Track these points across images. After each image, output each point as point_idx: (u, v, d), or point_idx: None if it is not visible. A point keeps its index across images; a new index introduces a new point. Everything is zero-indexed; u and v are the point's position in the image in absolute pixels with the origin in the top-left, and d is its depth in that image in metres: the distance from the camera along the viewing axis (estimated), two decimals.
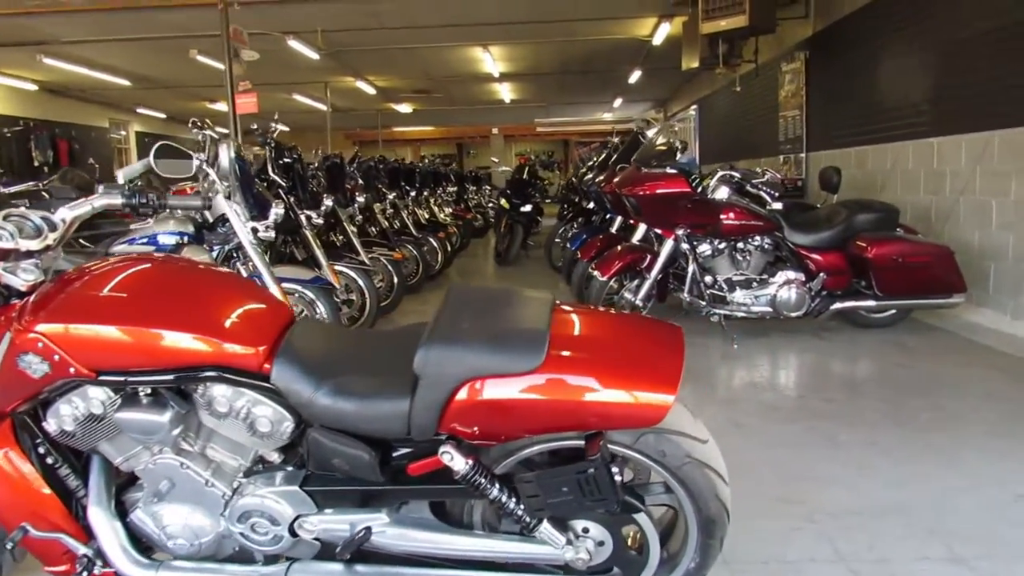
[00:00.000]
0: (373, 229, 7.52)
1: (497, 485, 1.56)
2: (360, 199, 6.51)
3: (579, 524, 1.65)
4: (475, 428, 1.52)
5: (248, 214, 4.20)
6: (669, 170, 4.91)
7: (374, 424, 1.55)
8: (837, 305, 4.97)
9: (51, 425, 1.68)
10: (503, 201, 10.60)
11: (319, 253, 5.17)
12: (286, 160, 5.28)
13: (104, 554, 1.73)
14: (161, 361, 1.59)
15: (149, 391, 1.65)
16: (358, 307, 5.37)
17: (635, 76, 15.91)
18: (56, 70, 13.36)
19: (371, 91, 17.98)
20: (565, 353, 1.50)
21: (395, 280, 6.39)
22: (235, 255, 4.29)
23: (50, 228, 1.74)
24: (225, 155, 4.13)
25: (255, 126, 6.07)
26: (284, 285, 4.29)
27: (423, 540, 1.67)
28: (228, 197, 4.17)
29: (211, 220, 4.27)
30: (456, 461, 1.53)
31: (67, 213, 1.80)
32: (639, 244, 5.32)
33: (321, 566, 1.68)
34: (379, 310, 5.54)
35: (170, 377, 1.60)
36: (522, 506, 1.56)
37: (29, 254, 1.72)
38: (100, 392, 1.63)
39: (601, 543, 1.66)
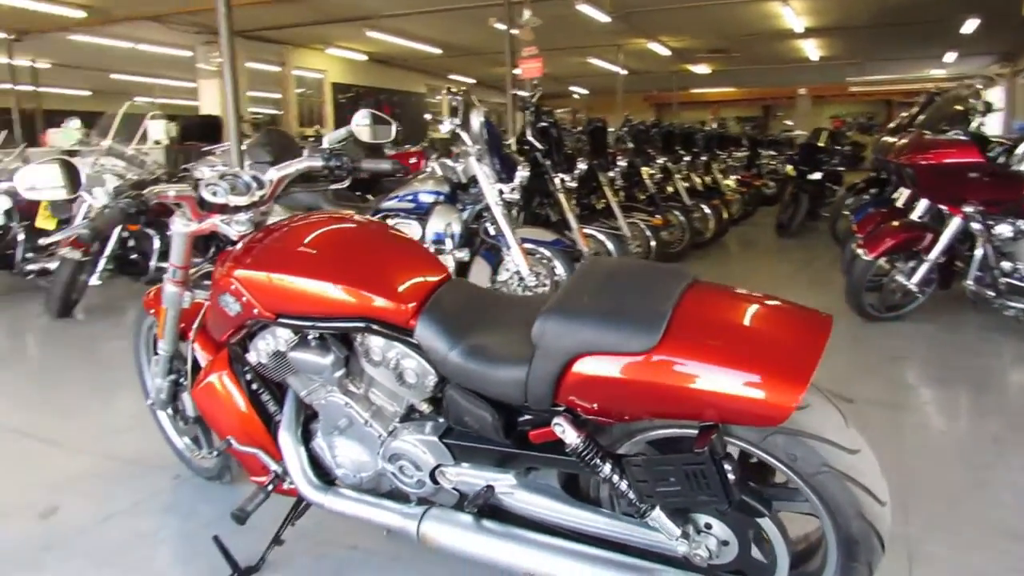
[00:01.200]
0: (642, 195, 7.49)
1: (609, 464, 1.50)
2: (622, 163, 6.49)
3: (702, 519, 1.54)
4: (592, 403, 1.47)
5: (495, 176, 4.41)
6: (958, 136, 4.22)
7: (496, 388, 1.57)
8: None
9: (252, 356, 1.94)
10: (789, 168, 9.91)
11: (570, 216, 5.28)
12: (543, 124, 5.42)
13: (288, 472, 1.97)
14: (325, 309, 1.75)
15: (317, 335, 1.83)
16: None
17: (971, 25, 13.77)
18: (379, 42, 14.97)
19: (665, 52, 17.68)
20: (686, 336, 1.39)
21: (652, 246, 6.32)
22: (484, 215, 4.53)
23: (259, 186, 1.99)
24: (476, 119, 4.35)
25: (527, 92, 6.26)
26: (525, 246, 4.46)
27: (545, 507, 1.67)
28: (479, 160, 4.42)
29: (464, 181, 4.54)
30: (568, 434, 1.50)
31: (275, 174, 2.04)
32: (918, 221, 4.68)
33: (454, 515, 1.76)
34: None
35: (330, 324, 1.77)
36: (633, 490, 1.50)
37: (242, 208, 1.98)
38: (282, 332, 1.85)
39: (725, 543, 1.53)
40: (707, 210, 8.35)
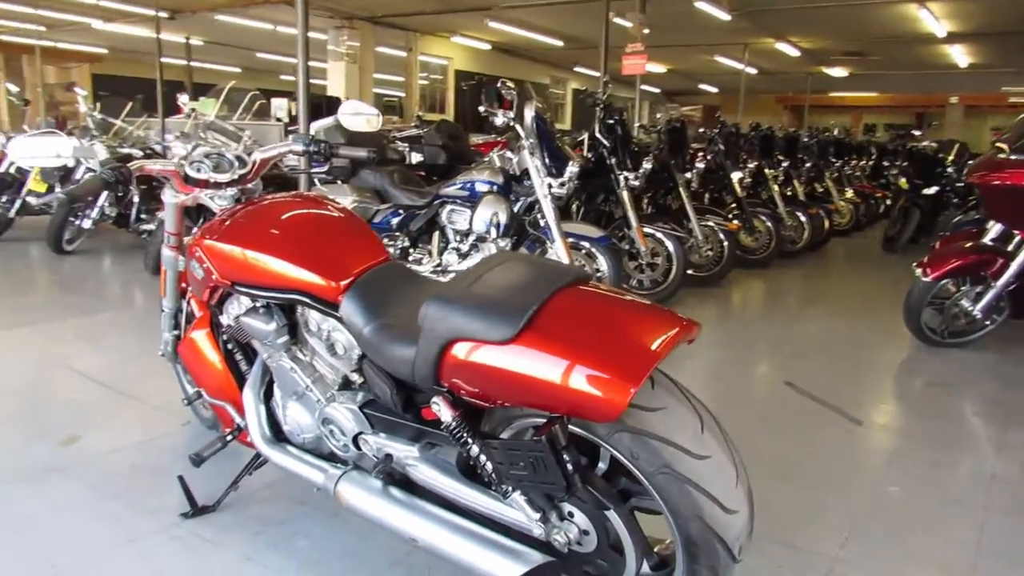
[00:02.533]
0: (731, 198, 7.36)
1: (477, 445, 1.60)
2: (700, 165, 6.40)
3: (566, 507, 1.60)
4: (468, 386, 1.57)
5: (546, 170, 4.50)
6: None
7: (391, 366, 1.70)
8: None
9: (223, 319, 2.15)
10: (902, 181, 9.39)
11: (630, 214, 5.29)
12: (610, 122, 5.44)
13: (246, 426, 2.18)
14: (268, 281, 1.93)
15: (264, 304, 2.02)
16: (662, 271, 5.39)
17: None
18: (500, 32, 15.23)
19: (794, 53, 17.03)
20: (542, 330, 1.46)
21: (725, 250, 6.22)
22: (535, 207, 4.63)
23: (241, 165, 2.20)
24: (528, 114, 4.46)
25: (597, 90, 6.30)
26: (570, 240, 4.53)
27: (439, 482, 1.77)
28: (532, 153, 4.53)
29: (518, 173, 4.66)
30: (443, 412, 1.60)
31: (258, 155, 2.25)
32: (990, 244, 4.40)
33: (367, 480, 1.89)
34: (684, 277, 5.47)
35: (271, 295, 1.95)
36: (493, 471, 1.58)
37: (226, 184, 2.19)
38: (240, 299, 2.05)
39: (585, 532, 1.59)
40: (803, 218, 8.09)
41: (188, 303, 2.43)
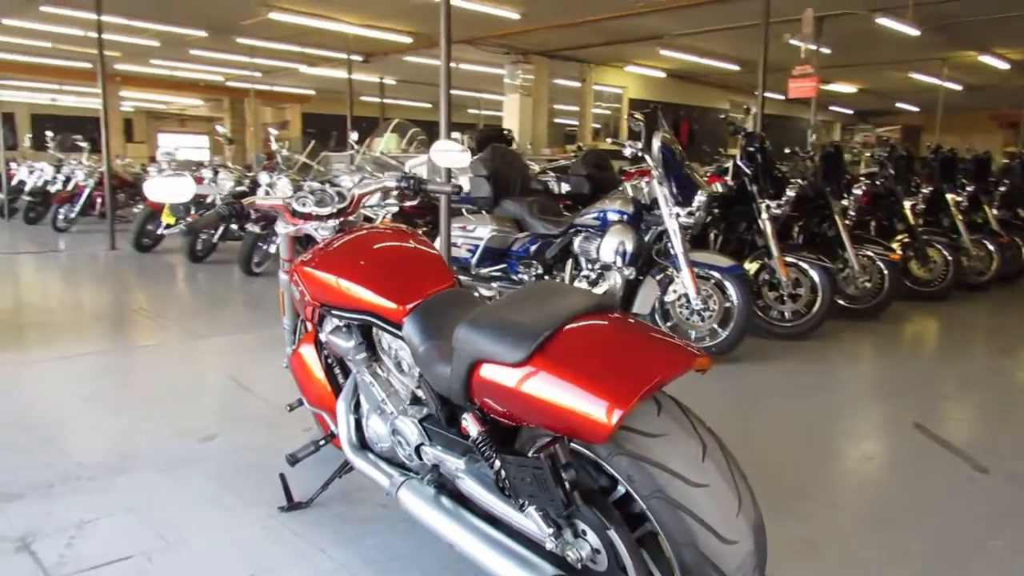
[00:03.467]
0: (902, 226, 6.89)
1: (497, 461, 1.71)
2: (856, 191, 6.09)
3: (580, 525, 1.67)
4: (495, 405, 1.70)
5: (674, 200, 4.52)
6: None
7: (436, 383, 1.85)
8: None
9: (322, 336, 2.42)
10: None
11: (771, 243, 5.15)
12: (750, 149, 5.33)
13: (338, 433, 2.43)
14: (346, 303, 2.16)
15: (345, 324, 2.25)
16: (805, 303, 5.17)
17: None
18: (674, 59, 15.18)
19: (1003, 65, 15.51)
20: (551, 354, 1.55)
21: (885, 282, 5.85)
22: (664, 236, 4.65)
23: (340, 200, 2.47)
24: (655, 143, 4.51)
25: (729, 116, 6.17)
26: (697, 270, 4.50)
27: (479, 494, 1.89)
28: (660, 183, 4.57)
29: (648, 202, 4.71)
30: (471, 428, 1.73)
31: (356, 191, 2.51)
32: None
33: (423, 488, 2.05)
34: (833, 309, 5.22)
35: (348, 315, 2.17)
36: (510, 486, 1.68)
37: (328, 217, 2.47)
38: (330, 319, 2.30)
39: (597, 551, 1.65)
40: (991, 248, 7.40)
41: (301, 321, 2.73)
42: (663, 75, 17.63)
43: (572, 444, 1.63)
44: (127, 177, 12.13)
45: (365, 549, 2.29)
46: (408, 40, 13.67)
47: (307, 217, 2.46)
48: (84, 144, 12.01)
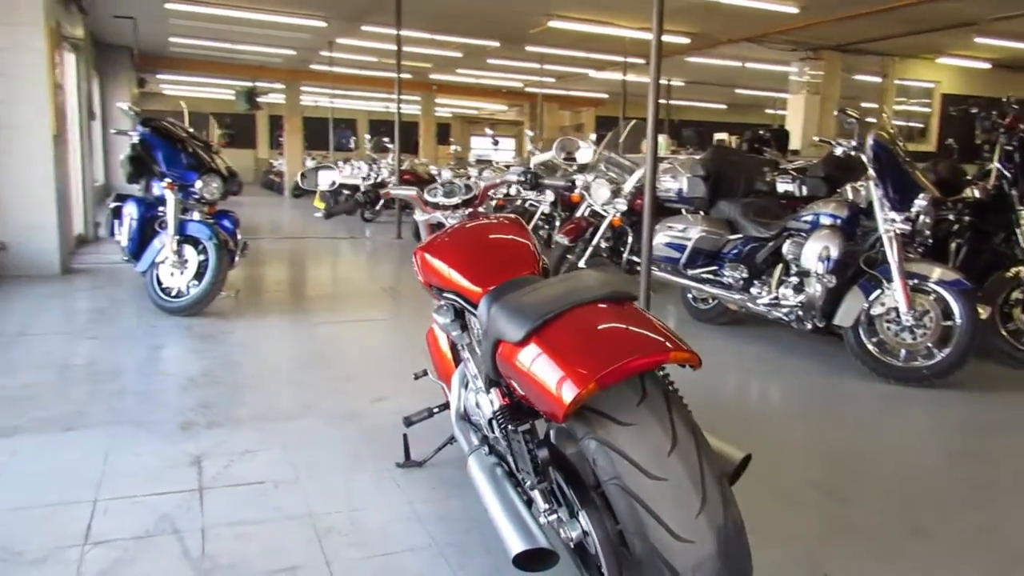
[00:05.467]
0: None
1: (503, 435, 1.81)
2: None
3: (576, 507, 1.71)
4: (512, 382, 1.82)
5: (889, 204, 4.14)
6: None
7: (484, 359, 2.02)
8: None
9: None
10: None
11: None
12: (1008, 148, 4.61)
13: (449, 404, 2.68)
14: (443, 284, 2.39)
15: (444, 303, 2.47)
16: None
17: None
18: (998, 48, 13.27)
19: None
20: (546, 336, 1.62)
21: None
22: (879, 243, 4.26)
23: (466, 192, 2.71)
24: (869, 142, 4.14)
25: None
26: (915, 282, 4.06)
27: (513, 464, 2.01)
28: (876, 185, 4.21)
29: (865, 206, 4.35)
30: (494, 402, 1.87)
31: (482, 183, 2.73)
32: None
33: (485, 458, 2.20)
34: None
35: (442, 295, 2.40)
36: (513, 460, 1.78)
37: (456, 206, 2.72)
38: (435, 298, 2.55)
39: (586, 533, 1.68)
40: None
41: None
42: (987, 66, 15.43)
43: (560, 426, 1.71)
44: (423, 175, 13.62)
45: (446, 509, 2.53)
46: (685, 41, 13.55)
47: (437, 207, 2.73)
48: (390, 146, 13.69)
